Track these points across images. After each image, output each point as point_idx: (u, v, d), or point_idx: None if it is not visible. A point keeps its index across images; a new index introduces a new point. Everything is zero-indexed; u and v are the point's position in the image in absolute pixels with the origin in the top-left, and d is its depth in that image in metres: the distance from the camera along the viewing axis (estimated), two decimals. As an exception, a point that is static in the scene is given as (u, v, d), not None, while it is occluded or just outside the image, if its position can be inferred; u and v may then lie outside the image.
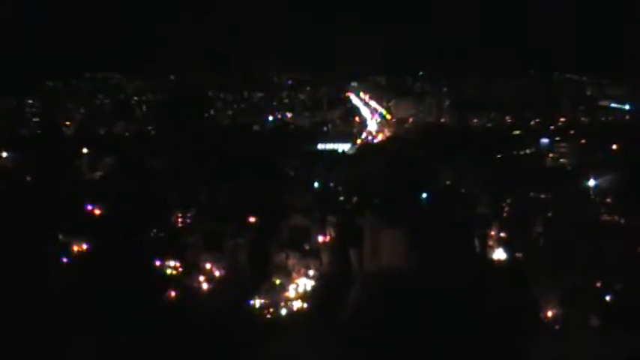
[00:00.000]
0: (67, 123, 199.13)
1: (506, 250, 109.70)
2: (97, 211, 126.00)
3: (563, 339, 69.99)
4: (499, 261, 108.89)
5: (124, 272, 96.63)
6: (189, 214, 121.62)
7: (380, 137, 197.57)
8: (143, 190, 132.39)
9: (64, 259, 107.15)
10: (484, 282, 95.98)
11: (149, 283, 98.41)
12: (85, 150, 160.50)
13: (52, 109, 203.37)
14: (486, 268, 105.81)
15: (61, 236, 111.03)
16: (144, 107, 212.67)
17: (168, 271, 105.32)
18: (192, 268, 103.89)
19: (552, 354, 61.93)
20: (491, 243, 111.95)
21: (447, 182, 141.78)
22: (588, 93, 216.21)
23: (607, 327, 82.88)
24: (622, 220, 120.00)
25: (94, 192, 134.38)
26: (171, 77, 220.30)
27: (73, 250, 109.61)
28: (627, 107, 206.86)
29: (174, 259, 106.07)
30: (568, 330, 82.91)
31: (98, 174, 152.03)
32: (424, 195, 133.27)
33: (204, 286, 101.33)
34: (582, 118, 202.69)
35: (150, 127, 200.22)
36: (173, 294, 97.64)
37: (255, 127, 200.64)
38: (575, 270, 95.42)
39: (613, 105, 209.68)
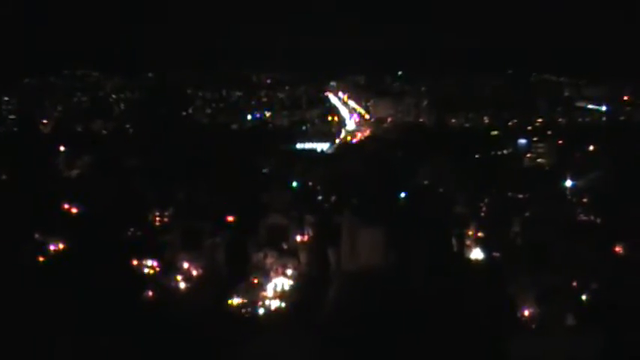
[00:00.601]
0: (44, 121, 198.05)
1: (484, 249, 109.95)
2: (74, 210, 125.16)
3: (540, 337, 69.84)
4: (477, 260, 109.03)
5: (101, 272, 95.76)
6: (167, 213, 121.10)
7: (358, 137, 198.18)
8: (121, 189, 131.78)
9: (41, 258, 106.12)
10: (461, 281, 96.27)
11: (126, 283, 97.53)
12: (62, 148, 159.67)
13: (29, 106, 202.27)
14: (464, 267, 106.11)
15: (37, 235, 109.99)
16: (122, 105, 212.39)
17: (146, 271, 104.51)
18: (169, 268, 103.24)
19: (529, 352, 61.86)
20: (468, 242, 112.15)
21: (425, 182, 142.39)
22: (566, 94, 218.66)
23: (583, 326, 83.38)
24: (598, 220, 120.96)
25: (71, 190, 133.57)
26: (150, 75, 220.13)
27: (49, 249, 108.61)
28: (604, 108, 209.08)
29: (152, 258, 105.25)
30: (544, 329, 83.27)
31: (75, 172, 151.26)
32: (402, 194, 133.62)
33: (182, 285, 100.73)
34: (559, 119, 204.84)
35: (128, 125, 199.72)
36: (150, 293, 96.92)
37: (234, 126, 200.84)
38: (551, 269, 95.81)
39: (590, 106, 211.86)
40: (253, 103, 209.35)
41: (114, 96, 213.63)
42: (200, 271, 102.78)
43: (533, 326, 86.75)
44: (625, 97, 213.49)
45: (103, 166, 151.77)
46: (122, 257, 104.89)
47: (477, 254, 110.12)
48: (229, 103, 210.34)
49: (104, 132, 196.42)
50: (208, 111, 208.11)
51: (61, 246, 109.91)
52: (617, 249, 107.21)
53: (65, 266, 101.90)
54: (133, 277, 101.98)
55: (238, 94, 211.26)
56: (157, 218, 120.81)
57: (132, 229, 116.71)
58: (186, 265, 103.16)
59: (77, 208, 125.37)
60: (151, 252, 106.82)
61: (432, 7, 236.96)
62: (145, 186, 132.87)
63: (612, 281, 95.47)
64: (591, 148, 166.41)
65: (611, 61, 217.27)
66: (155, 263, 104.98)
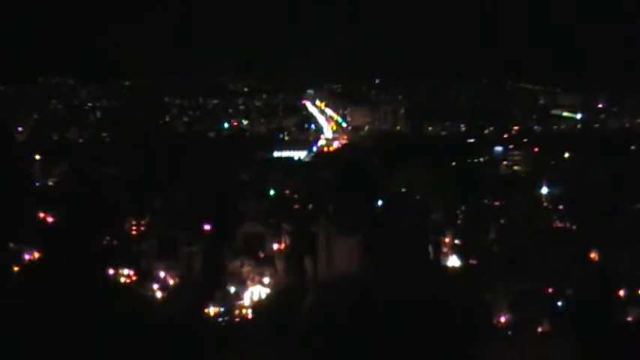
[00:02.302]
0: (20, 129, 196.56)
1: (461, 256, 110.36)
2: (50, 219, 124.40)
3: (514, 343, 70.28)
4: (453, 267, 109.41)
5: (77, 281, 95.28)
6: (143, 222, 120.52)
7: (335, 145, 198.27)
8: (97, 198, 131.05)
9: (15, 268, 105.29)
10: (438, 288, 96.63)
11: (102, 292, 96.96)
12: (37, 156, 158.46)
13: (4, 114, 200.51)
14: (440, 274, 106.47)
15: (12, 244, 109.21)
16: (98, 113, 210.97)
17: (122, 280, 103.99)
18: (145, 277, 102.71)
19: (503, 358, 62.27)
20: (445, 250, 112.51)
21: (402, 189, 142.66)
22: (541, 102, 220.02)
23: (556, 332, 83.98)
24: (574, 227, 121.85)
25: (46, 199, 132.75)
26: (126, 83, 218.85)
27: (24, 259, 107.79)
28: (579, 116, 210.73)
29: (128, 267, 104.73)
30: (518, 335, 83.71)
31: (51, 181, 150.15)
32: (379, 202, 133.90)
33: (158, 294, 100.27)
34: (535, 127, 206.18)
35: (104, 134, 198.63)
36: (126, 303, 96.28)
37: (211, 134, 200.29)
38: (527, 276, 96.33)
39: (565, 114, 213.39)
40: (230, 111, 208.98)
41: (90, 104, 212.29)
42: (176, 280, 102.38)
43: (509, 333, 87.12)
44: (599, 105, 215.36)
45: (79, 174, 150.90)
46: (98, 266, 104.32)
47: (453, 261, 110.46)
48: (206, 111, 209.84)
49: (80, 140, 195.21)
50: (185, 119, 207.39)
51: (36, 255, 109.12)
52: (592, 255, 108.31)
53: (40, 275, 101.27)
54: (109, 286, 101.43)
55: (215, 102, 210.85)
56: (133, 227, 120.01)
57: (108, 238, 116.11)
58: (162, 274, 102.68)
59: (53, 216, 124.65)
60: (127, 261, 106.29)
61: (409, 16, 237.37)
62: (121, 194, 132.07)
63: (587, 287, 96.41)
64: (566, 155, 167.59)
65: (585, 70, 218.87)
66: (131, 272, 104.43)
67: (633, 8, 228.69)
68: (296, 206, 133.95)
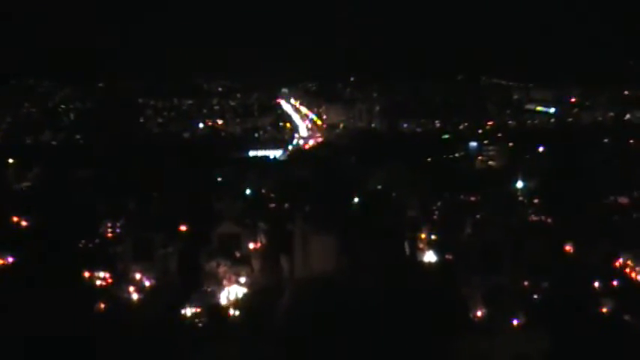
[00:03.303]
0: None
1: (437, 252, 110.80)
2: (24, 223, 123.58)
3: (489, 337, 70.63)
4: (430, 263, 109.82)
5: (52, 285, 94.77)
6: (118, 224, 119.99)
7: (311, 143, 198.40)
8: (71, 201, 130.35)
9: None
10: (415, 284, 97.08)
11: (78, 295, 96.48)
12: (10, 160, 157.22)
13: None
14: (416, 270, 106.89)
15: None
16: (72, 115, 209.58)
17: (98, 283, 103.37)
18: (121, 279, 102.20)
19: (478, 352, 62.62)
20: (421, 246, 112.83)
21: (379, 187, 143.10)
22: (515, 97, 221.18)
23: (531, 325, 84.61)
24: (549, 220, 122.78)
25: (20, 203, 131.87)
26: (100, 85, 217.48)
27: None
28: (552, 110, 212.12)
29: (104, 270, 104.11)
30: (493, 328, 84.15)
31: (25, 184, 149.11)
32: (355, 200, 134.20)
33: (134, 296, 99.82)
34: (509, 122, 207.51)
35: (78, 136, 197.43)
36: (102, 305, 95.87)
37: (186, 135, 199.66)
38: (503, 270, 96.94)
39: (539, 108, 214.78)
40: (205, 111, 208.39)
41: (63, 106, 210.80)
42: (152, 281, 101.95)
43: (486, 326, 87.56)
44: (572, 100, 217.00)
45: (53, 177, 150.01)
46: (73, 269, 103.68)
47: (430, 257, 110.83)
48: (181, 112, 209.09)
49: (54, 143, 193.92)
50: (160, 120, 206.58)
51: (10, 259, 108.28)
52: (567, 248, 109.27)
53: (15, 280, 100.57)
54: (85, 289, 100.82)
55: (190, 102, 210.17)
56: (109, 229, 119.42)
57: (83, 241, 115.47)
58: (138, 276, 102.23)
59: (27, 220, 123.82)
60: (102, 264, 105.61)
61: (382, 13, 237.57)
62: (96, 197, 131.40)
63: (562, 280, 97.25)
64: (541, 149, 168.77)
65: (558, 65, 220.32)
66: (107, 275, 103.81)
67: (604, 4, 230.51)
68: (272, 205, 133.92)
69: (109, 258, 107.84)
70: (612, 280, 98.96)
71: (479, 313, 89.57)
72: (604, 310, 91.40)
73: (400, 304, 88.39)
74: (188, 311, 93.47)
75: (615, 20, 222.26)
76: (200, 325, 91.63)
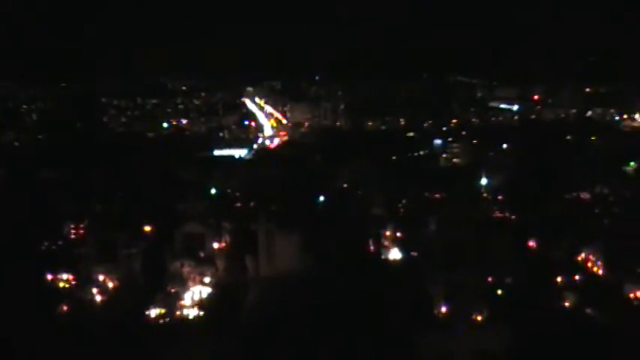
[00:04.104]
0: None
1: (402, 249, 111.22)
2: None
3: (451, 333, 71.13)
4: (395, 260, 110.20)
5: (14, 287, 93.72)
6: (82, 225, 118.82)
7: (276, 142, 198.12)
8: (34, 202, 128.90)
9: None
10: (379, 281, 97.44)
11: (41, 298, 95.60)
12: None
13: None
14: (382, 267, 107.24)
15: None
16: (34, 116, 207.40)
17: (61, 285, 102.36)
18: (85, 281, 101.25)
19: (441, 348, 63.01)
20: (387, 243, 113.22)
21: (344, 185, 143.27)
22: (479, 95, 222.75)
23: (493, 320, 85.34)
24: (512, 217, 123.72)
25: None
26: (63, 85, 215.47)
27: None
28: (516, 108, 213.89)
29: (67, 271, 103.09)
30: (456, 324, 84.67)
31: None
32: (321, 198, 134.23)
33: (98, 298, 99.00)
34: (473, 119, 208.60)
35: (41, 137, 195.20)
36: (66, 308, 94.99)
37: (150, 134, 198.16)
38: (468, 266, 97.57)
39: (502, 106, 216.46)
40: (169, 110, 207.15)
41: (25, 106, 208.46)
42: (116, 282, 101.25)
43: (450, 322, 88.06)
44: (535, 97, 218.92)
45: (16, 178, 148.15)
46: (36, 271, 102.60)
47: (395, 254, 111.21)
48: (144, 111, 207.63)
49: (16, 144, 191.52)
50: (123, 119, 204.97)
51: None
52: (531, 244, 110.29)
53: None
54: (48, 291, 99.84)
55: (154, 101, 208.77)
56: (72, 231, 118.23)
57: (46, 243, 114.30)
58: (101, 278, 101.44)
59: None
60: (65, 265, 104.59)
61: (347, 11, 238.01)
62: (59, 198, 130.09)
63: (526, 275, 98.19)
64: (504, 146, 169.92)
65: (521, 62, 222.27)
66: (70, 277, 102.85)
67: (565, 2, 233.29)
68: (237, 205, 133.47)
69: (73, 259, 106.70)
70: (575, 274, 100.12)
71: (443, 310, 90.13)
72: (567, 304, 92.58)
73: (365, 301, 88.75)
74: (152, 312, 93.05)
75: (575, 18, 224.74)
76: (164, 325, 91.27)
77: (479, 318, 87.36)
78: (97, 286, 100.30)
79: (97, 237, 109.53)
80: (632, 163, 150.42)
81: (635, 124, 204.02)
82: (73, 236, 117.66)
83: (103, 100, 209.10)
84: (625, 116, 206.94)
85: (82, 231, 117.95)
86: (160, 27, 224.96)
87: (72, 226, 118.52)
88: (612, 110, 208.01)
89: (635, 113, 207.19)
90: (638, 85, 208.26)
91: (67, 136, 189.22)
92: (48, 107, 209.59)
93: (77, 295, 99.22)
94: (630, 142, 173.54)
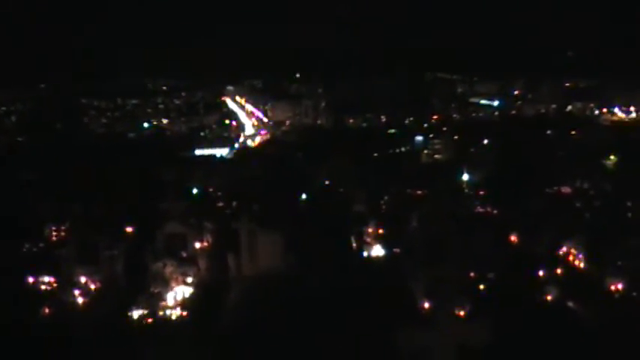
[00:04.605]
0: None
1: (384, 246, 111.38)
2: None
3: (432, 328, 70.80)
4: (377, 257, 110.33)
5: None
6: (63, 227, 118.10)
7: (257, 140, 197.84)
8: (15, 204, 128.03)
9: None
10: (362, 279, 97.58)
11: (22, 301, 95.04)
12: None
13: None
14: (364, 265, 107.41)
15: None
16: (13, 117, 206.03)
17: (42, 287, 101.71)
18: (67, 283, 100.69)
19: (421, 344, 62.55)
20: (369, 240, 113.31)
21: (326, 183, 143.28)
22: (459, 91, 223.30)
23: (474, 315, 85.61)
24: (494, 211, 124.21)
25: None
26: (42, 86, 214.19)
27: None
28: (496, 103, 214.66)
29: (48, 274, 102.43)
30: (437, 320, 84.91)
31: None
32: (303, 196, 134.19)
33: (80, 300, 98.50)
34: (454, 115, 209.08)
35: (20, 138, 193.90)
36: (47, 311, 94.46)
37: (131, 135, 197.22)
38: (450, 261, 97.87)
39: (483, 101, 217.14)
40: (149, 110, 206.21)
41: (4, 108, 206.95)
42: (98, 284, 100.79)
43: (432, 318, 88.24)
44: (516, 92, 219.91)
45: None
46: (17, 275, 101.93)
47: (377, 251, 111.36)
48: (125, 112, 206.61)
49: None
50: (104, 120, 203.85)
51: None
52: (513, 238, 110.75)
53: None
54: (29, 294, 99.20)
55: (134, 102, 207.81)
56: (54, 233, 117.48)
57: (27, 245, 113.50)
58: (83, 280, 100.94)
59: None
60: (47, 268, 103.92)
61: (328, 9, 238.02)
62: (39, 200, 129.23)
63: (508, 269, 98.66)
64: (485, 142, 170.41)
65: (501, 58, 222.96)
66: (52, 279, 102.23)
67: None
68: (219, 204, 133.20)
69: (54, 262, 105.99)
70: (556, 268, 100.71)
71: (426, 305, 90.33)
72: (548, 298, 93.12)
73: (348, 299, 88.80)
74: (135, 313, 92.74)
75: (555, 13, 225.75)
76: (147, 326, 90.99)
77: (461, 313, 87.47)
78: (78, 288, 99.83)
79: (79, 238, 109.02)
80: (612, 157, 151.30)
81: (614, 118, 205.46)
82: (54, 238, 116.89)
83: (83, 101, 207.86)
84: (605, 110, 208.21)
85: (63, 233, 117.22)
86: (140, 26, 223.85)
87: (53, 227, 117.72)
88: (592, 105, 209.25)
89: (614, 107, 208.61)
90: (617, 80, 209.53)
91: (47, 137, 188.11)
92: (27, 109, 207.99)
93: (59, 297, 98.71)
94: (610, 136, 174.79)
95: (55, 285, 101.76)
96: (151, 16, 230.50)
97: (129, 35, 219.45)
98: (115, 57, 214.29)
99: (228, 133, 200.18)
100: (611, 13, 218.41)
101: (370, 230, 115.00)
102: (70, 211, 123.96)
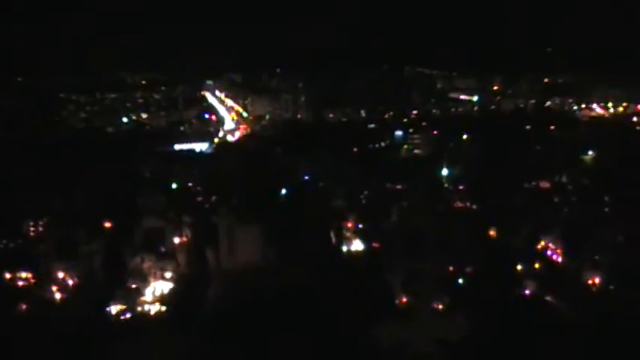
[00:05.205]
0: None
1: (364, 240, 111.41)
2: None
3: (410, 321, 71.50)
4: (357, 251, 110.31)
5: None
6: (41, 223, 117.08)
7: (237, 135, 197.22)
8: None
9: None
10: (341, 273, 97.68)
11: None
12: None
13: None
14: (344, 259, 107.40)
15: None
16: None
17: (20, 283, 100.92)
18: (45, 279, 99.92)
19: (399, 336, 63.36)
20: (348, 234, 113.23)
21: (305, 177, 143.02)
22: (438, 86, 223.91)
23: (451, 309, 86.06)
24: (474, 206, 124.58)
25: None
26: (19, 79, 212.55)
27: None
28: (475, 99, 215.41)
29: (26, 270, 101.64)
30: (416, 313, 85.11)
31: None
32: (283, 191, 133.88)
33: (58, 296, 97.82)
34: (433, 110, 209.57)
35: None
36: (25, 307, 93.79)
37: (110, 129, 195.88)
38: (429, 256, 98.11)
39: (462, 97, 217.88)
40: (129, 105, 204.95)
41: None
42: (76, 280, 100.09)
43: (411, 312, 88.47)
44: (495, 88, 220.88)
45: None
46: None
47: (357, 245, 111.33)
48: (104, 106, 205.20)
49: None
50: (83, 115, 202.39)
51: None
52: (491, 233, 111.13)
53: None
54: (7, 291, 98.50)
55: (113, 96, 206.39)
56: (32, 228, 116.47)
57: (4, 241, 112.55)
58: (61, 275, 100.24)
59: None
60: (25, 264, 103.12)
61: (307, 4, 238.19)
62: (17, 195, 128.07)
63: (487, 263, 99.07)
64: (465, 137, 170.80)
65: (480, 53, 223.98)
66: (30, 275, 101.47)
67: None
68: (199, 199, 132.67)
69: (32, 258, 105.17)
70: (534, 262, 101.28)
71: (405, 299, 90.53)
72: (527, 291, 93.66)
73: (327, 293, 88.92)
74: (113, 308, 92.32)
75: (534, 10, 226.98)
76: (125, 321, 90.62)
77: (440, 307, 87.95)
78: (56, 284, 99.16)
79: (57, 234, 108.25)
80: (590, 152, 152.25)
81: (592, 113, 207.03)
82: (32, 234, 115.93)
83: (62, 95, 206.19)
84: (583, 106, 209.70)
85: (41, 229, 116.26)
86: (118, 21, 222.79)
87: (31, 223, 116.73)
88: (570, 100, 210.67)
89: (592, 103, 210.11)
90: (595, 76, 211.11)
91: (25, 132, 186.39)
92: (4, 103, 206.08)
93: (37, 293, 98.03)
94: (588, 132, 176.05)
95: (32, 281, 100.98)
96: (129, 10, 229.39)
97: (107, 29, 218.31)
98: (93, 51, 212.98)
99: (207, 128, 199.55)
100: (589, 11, 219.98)
101: (350, 225, 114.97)
102: (49, 207, 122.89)
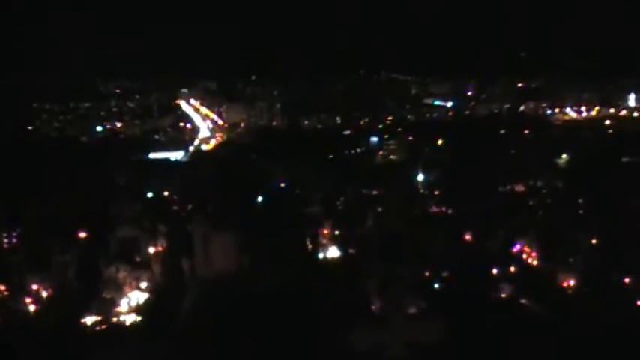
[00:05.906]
0: None
1: (340, 247, 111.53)
2: None
3: (384, 326, 71.15)
4: (333, 258, 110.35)
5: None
6: (14, 233, 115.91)
7: (212, 143, 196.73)
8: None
9: None
10: (317, 280, 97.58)
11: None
12: None
13: None
14: (319, 266, 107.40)
15: None
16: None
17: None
18: (18, 290, 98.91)
19: (372, 342, 63.00)
20: (324, 241, 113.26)
21: (281, 184, 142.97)
22: (413, 91, 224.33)
23: (434, 312, 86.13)
24: (449, 211, 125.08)
25: None
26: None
27: None
28: (450, 104, 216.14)
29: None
30: (389, 318, 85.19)
31: None
32: (258, 198, 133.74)
33: (32, 307, 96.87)
34: (408, 116, 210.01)
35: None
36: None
37: (83, 138, 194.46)
38: (406, 261, 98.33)
39: (437, 102, 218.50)
40: (103, 113, 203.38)
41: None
42: (50, 291, 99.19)
43: (386, 317, 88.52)
44: (469, 93, 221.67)
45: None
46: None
47: (333, 252, 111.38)
48: (77, 115, 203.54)
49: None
50: (56, 124, 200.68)
51: None
52: (467, 237, 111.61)
53: None
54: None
55: (86, 105, 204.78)
56: (4, 239, 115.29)
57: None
58: (35, 286, 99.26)
59: None
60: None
61: (281, 10, 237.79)
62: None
63: (462, 268, 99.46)
64: (440, 142, 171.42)
65: (455, 59, 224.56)
66: (2, 287, 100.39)
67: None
68: (175, 207, 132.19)
69: (4, 269, 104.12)
70: (510, 265, 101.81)
71: (380, 304, 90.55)
72: (502, 295, 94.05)
73: (303, 300, 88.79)
74: (88, 319, 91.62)
75: (507, 13, 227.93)
76: (100, 332, 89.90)
77: (415, 311, 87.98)
78: (30, 296, 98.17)
79: (30, 244, 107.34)
80: (563, 156, 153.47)
81: (566, 117, 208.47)
82: (5, 245, 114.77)
83: (35, 105, 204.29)
84: (557, 110, 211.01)
85: (14, 239, 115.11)
86: (92, 27, 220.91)
87: (4, 234, 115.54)
88: (544, 104, 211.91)
89: (566, 107, 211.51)
90: (568, 80, 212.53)
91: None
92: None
93: (10, 305, 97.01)
94: (562, 135, 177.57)
95: (5, 292, 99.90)
96: (103, 17, 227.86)
97: (81, 36, 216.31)
98: (66, 59, 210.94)
99: (182, 136, 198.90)
100: (562, 14, 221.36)
101: (326, 231, 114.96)
102: (21, 217, 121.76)
